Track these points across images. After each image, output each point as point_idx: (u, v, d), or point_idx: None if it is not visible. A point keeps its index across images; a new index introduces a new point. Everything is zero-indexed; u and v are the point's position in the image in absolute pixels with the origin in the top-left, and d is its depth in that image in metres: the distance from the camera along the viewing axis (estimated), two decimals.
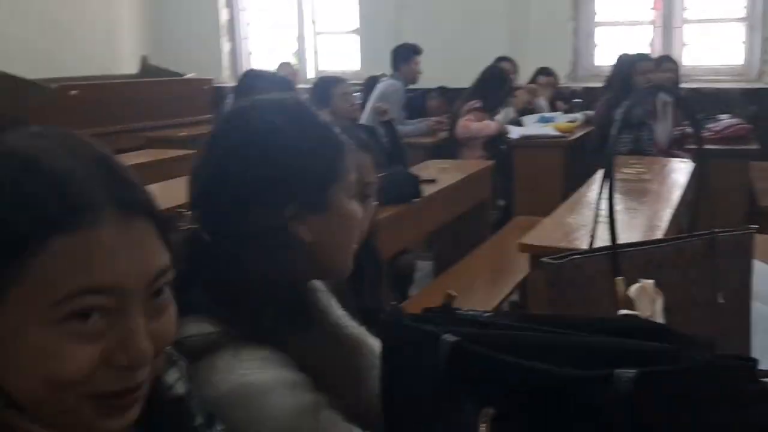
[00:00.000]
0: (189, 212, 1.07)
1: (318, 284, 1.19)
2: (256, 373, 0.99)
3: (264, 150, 1.06)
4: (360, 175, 1.21)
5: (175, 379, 0.86)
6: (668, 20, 6.74)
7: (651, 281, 1.18)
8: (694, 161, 3.94)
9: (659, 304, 1.16)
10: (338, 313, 1.20)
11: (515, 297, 3.57)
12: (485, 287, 3.29)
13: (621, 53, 5.42)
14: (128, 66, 7.78)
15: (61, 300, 0.63)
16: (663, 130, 5.35)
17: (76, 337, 0.64)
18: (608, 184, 1.29)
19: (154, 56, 7.83)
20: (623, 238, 1.30)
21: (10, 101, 5.59)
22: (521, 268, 3.18)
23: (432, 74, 6.11)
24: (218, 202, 1.06)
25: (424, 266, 4.70)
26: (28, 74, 5.91)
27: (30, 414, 0.67)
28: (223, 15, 8.18)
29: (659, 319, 1.15)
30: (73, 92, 5.76)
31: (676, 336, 0.80)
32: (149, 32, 8.11)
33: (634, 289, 1.15)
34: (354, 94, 3.88)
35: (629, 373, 0.71)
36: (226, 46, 8.24)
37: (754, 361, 0.73)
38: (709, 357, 0.74)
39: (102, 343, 0.66)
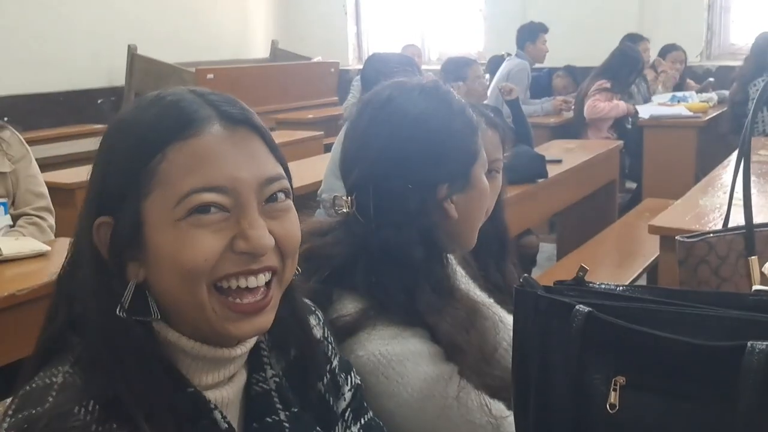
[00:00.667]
0: (346, 198, 1.13)
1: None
2: (392, 344, 1.06)
3: (420, 135, 1.11)
4: (488, 152, 1.24)
5: (312, 325, 0.97)
6: None
7: None
8: None
9: None
10: (462, 279, 1.26)
11: (643, 281, 3.50)
12: (612, 270, 3.24)
13: (761, 32, 5.18)
14: (259, 50, 8.05)
15: (182, 199, 0.75)
16: None
17: (201, 228, 0.76)
18: (744, 164, 1.28)
19: (283, 41, 8.07)
20: (758, 220, 1.29)
21: (155, 84, 5.93)
22: (650, 251, 3.12)
23: (558, 53, 6.02)
24: (377, 186, 1.11)
25: (546, 248, 4.67)
26: (168, 59, 6.27)
27: (182, 329, 0.79)
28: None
29: None
30: (209, 76, 6.03)
31: None
32: (279, 18, 8.35)
33: None
34: (485, 76, 3.88)
35: (763, 345, 0.73)
36: (351, 30, 8.37)
37: None
38: None
39: (225, 235, 0.77)
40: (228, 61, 7.15)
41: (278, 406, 0.88)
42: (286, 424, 0.87)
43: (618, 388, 0.82)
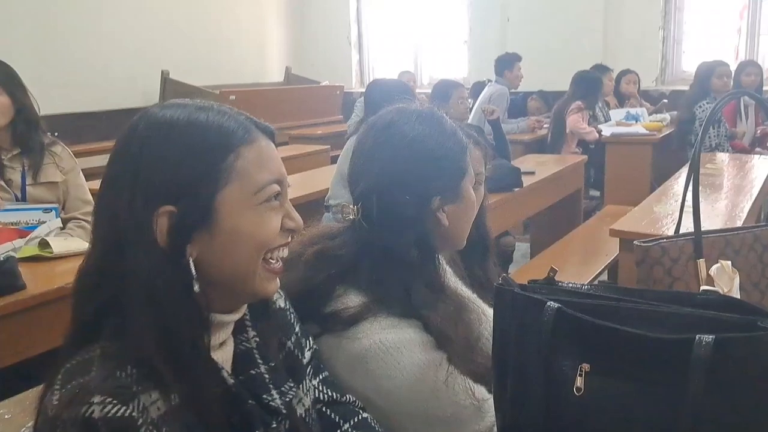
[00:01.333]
0: (353, 207, 1.13)
1: None
2: (391, 333, 1.06)
3: (416, 155, 1.11)
4: (473, 167, 1.24)
5: (276, 297, 1.01)
6: (753, 28, 6.34)
7: (728, 262, 1.16)
8: None
9: (736, 282, 1.14)
10: (451, 277, 1.26)
11: (604, 277, 3.50)
12: (577, 267, 3.24)
13: (702, 61, 5.22)
14: (275, 75, 8.05)
15: (261, 188, 0.83)
16: (746, 129, 5.09)
17: (271, 211, 0.84)
18: (693, 177, 1.28)
19: (296, 67, 8.07)
20: (706, 226, 1.28)
21: None
22: (611, 251, 3.12)
23: (532, 79, 6.02)
24: (378, 198, 1.11)
25: (521, 247, 4.67)
26: (196, 82, 6.27)
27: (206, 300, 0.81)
28: (353, 31, 8.30)
29: (736, 294, 1.13)
30: (232, 97, 6.02)
31: (752, 309, 0.80)
32: (292, 47, 8.34)
33: (714, 268, 1.14)
34: (468, 100, 3.86)
35: (709, 338, 0.73)
36: (354, 58, 8.37)
37: None
38: None
39: (279, 215, 0.86)
40: (248, 85, 7.14)
41: (259, 360, 0.91)
42: (266, 375, 0.91)
43: (583, 373, 0.83)
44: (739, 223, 2.43)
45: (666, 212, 2.62)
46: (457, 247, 1.23)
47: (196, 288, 0.79)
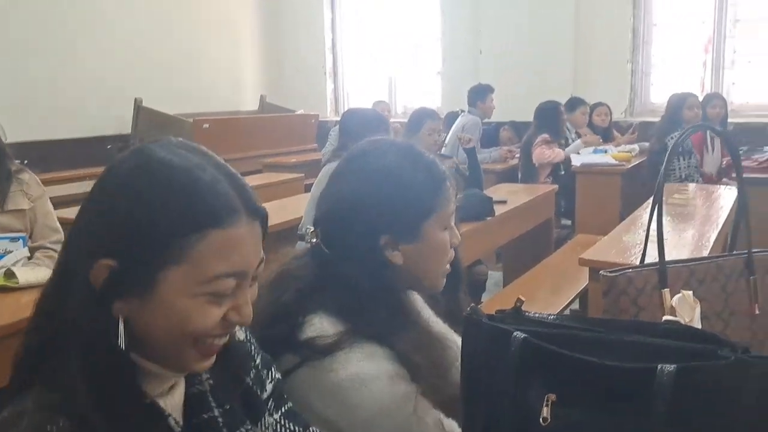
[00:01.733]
0: (314, 230, 1.14)
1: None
2: (367, 364, 1.06)
3: (375, 188, 1.11)
4: None
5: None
6: (717, 62, 6.53)
7: (690, 292, 1.19)
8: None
9: (697, 311, 1.17)
10: (428, 313, 1.26)
11: (575, 305, 3.53)
12: (549, 296, 3.26)
13: (672, 93, 5.34)
14: (250, 103, 8.06)
15: (209, 281, 0.76)
16: (712, 160, 5.21)
17: (211, 303, 0.77)
18: (657, 208, 1.31)
19: (271, 95, 8.09)
20: (673, 255, 1.31)
21: (156, 133, 5.88)
22: (581, 280, 3.15)
23: (504, 110, 6.11)
24: (333, 224, 1.12)
25: (494, 276, 4.69)
26: (169, 110, 6.24)
27: (145, 353, 0.79)
28: (328, 60, 8.36)
29: (697, 324, 1.15)
30: (205, 125, 6.00)
31: (712, 338, 0.82)
32: (267, 75, 8.37)
33: (676, 298, 1.16)
34: (441, 133, 3.82)
35: (670, 367, 0.75)
36: (329, 86, 8.42)
37: None
38: (739, 355, 0.76)
39: (225, 307, 0.78)
40: (222, 113, 7.13)
41: (213, 404, 0.88)
42: (220, 419, 0.87)
43: (549, 403, 0.83)
44: (705, 253, 2.47)
45: (634, 242, 2.65)
46: (430, 288, 1.20)
47: (121, 344, 0.75)
